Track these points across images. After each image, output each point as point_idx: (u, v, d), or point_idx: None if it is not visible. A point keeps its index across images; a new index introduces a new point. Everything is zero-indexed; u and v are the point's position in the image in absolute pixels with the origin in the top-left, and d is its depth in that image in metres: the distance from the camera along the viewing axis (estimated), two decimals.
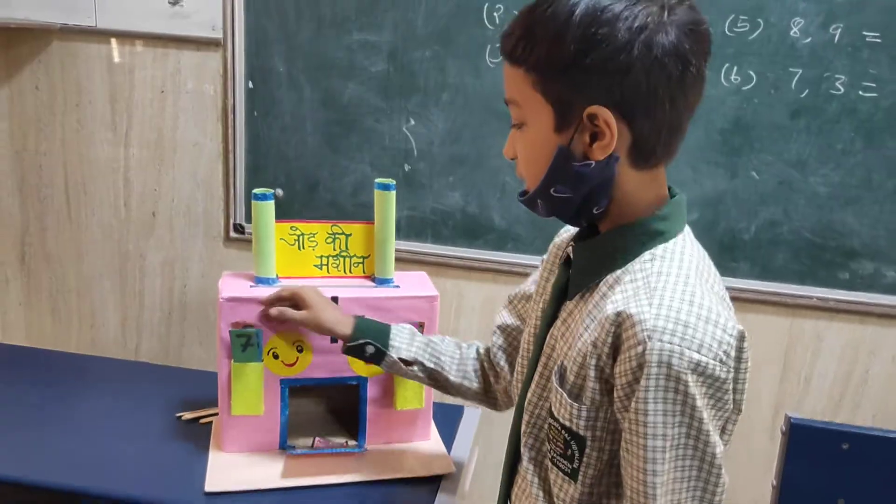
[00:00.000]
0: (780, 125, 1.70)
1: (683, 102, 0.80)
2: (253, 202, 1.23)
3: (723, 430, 0.81)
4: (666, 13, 0.77)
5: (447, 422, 1.45)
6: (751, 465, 1.94)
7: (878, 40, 1.63)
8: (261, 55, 1.84)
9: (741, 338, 0.78)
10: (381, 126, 1.85)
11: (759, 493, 1.96)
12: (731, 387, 0.77)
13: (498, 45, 1.75)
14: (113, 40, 1.89)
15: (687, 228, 0.88)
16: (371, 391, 1.31)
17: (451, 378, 1.17)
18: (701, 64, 0.80)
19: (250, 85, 1.86)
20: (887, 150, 1.69)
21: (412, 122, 1.84)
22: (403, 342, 1.16)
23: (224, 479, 1.22)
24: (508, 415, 1.04)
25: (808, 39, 1.65)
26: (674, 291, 0.77)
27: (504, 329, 1.14)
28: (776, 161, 1.73)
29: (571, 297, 0.88)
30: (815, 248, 1.77)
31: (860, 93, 1.66)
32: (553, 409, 0.86)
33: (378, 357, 1.15)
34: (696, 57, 0.78)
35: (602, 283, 0.84)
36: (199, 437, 1.34)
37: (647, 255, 0.82)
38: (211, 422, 1.38)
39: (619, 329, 0.78)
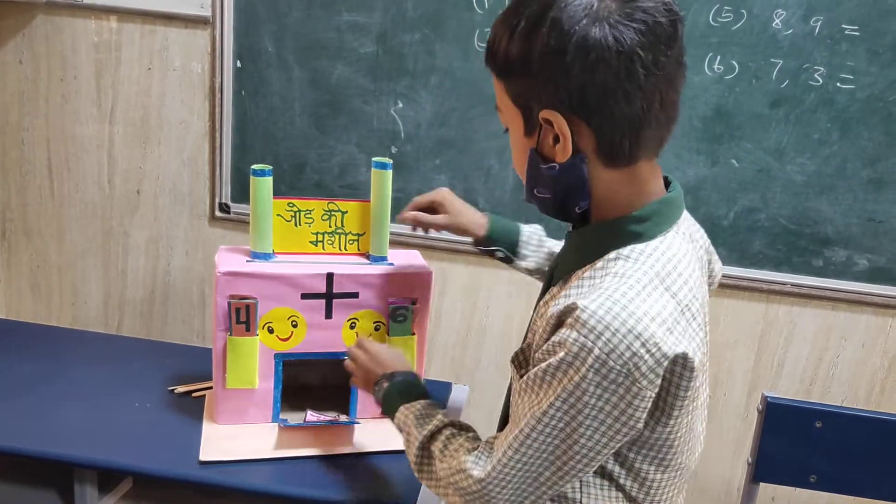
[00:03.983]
0: (760, 114, 1.75)
1: (642, 97, 0.77)
2: (251, 178, 1.24)
3: (641, 443, 0.83)
4: (605, 8, 0.75)
5: (437, 398, 1.47)
6: (723, 445, 2.00)
7: (857, 33, 1.68)
8: (250, 34, 1.84)
9: (674, 361, 0.77)
10: (369, 108, 1.86)
11: (731, 471, 2.03)
12: (641, 404, 0.77)
13: (487, 28, 1.78)
14: (98, 15, 1.87)
15: (680, 226, 0.86)
16: None
17: None
18: (658, 56, 0.76)
19: (238, 64, 1.86)
20: (862, 141, 1.75)
21: (400, 104, 1.85)
22: (531, 250, 1.23)
23: (218, 449, 1.23)
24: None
25: (790, 31, 1.70)
26: (621, 295, 0.76)
27: None
28: (755, 149, 1.77)
29: (555, 283, 0.89)
30: (790, 235, 1.82)
31: (838, 84, 1.72)
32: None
33: (507, 260, 1.24)
34: (647, 50, 0.75)
35: (574, 277, 0.85)
36: (192, 409, 1.35)
37: (613, 254, 0.82)
38: (204, 395, 1.39)
39: (563, 316, 0.79)
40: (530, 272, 1.25)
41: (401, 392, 1.07)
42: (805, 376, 1.94)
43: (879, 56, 1.69)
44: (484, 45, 1.77)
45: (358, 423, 1.34)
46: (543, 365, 0.78)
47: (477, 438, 0.96)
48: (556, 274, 0.90)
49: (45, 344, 1.56)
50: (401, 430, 1.03)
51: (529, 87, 0.80)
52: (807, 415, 1.42)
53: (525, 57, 0.78)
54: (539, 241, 1.24)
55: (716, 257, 1.03)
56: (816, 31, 1.69)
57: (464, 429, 0.98)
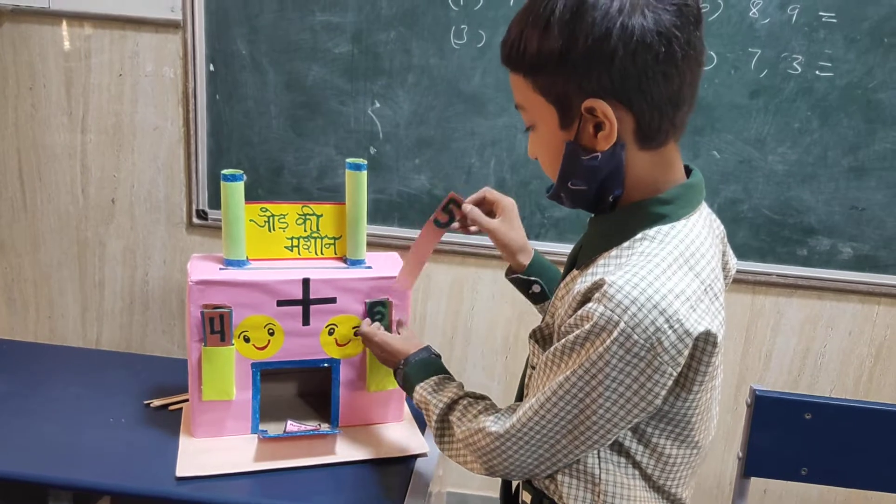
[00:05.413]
0: (739, 105, 1.74)
1: (678, 77, 0.80)
2: (222, 183, 1.21)
3: (660, 417, 0.85)
4: None
5: None
6: (713, 440, 1.98)
7: (834, 20, 1.67)
8: (222, 37, 1.81)
9: (698, 338, 0.79)
10: (346, 109, 1.83)
11: (722, 466, 2.02)
12: (661, 380, 0.79)
13: (463, 26, 1.76)
14: (66, 22, 1.83)
15: (702, 212, 0.89)
16: (343, 374, 1.31)
17: None
18: (690, 36, 0.79)
19: (212, 68, 1.83)
20: (842, 129, 1.73)
21: (377, 104, 1.83)
22: None
23: (195, 464, 1.20)
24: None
25: (767, 20, 1.68)
26: (647, 272, 0.79)
27: None
28: (736, 140, 1.76)
29: (578, 266, 0.91)
30: (774, 225, 1.81)
31: (816, 72, 1.70)
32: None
33: (540, 297, 1.18)
34: (682, 31, 0.78)
35: (600, 258, 0.86)
36: (168, 423, 1.31)
37: (639, 234, 0.84)
38: (181, 408, 1.36)
39: (590, 293, 0.81)
40: None
41: (416, 373, 1.10)
42: (793, 367, 1.93)
43: (857, 42, 1.68)
44: (461, 42, 1.77)
45: (340, 431, 1.31)
46: (571, 336, 0.81)
47: (494, 406, 0.99)
48: (579, 258, 0.91)
49: (17, 360, 1.52)
50: (421, 409, 1.06)
51: (568, 78, 0.80)
52: (796, 407, 1.41)
53: (564, 48, 0.78)
54: None
55: (730, 251, 1.04)
56: (793, 19, 1.68)
57: (480, 398, 1.02)
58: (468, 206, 1.17)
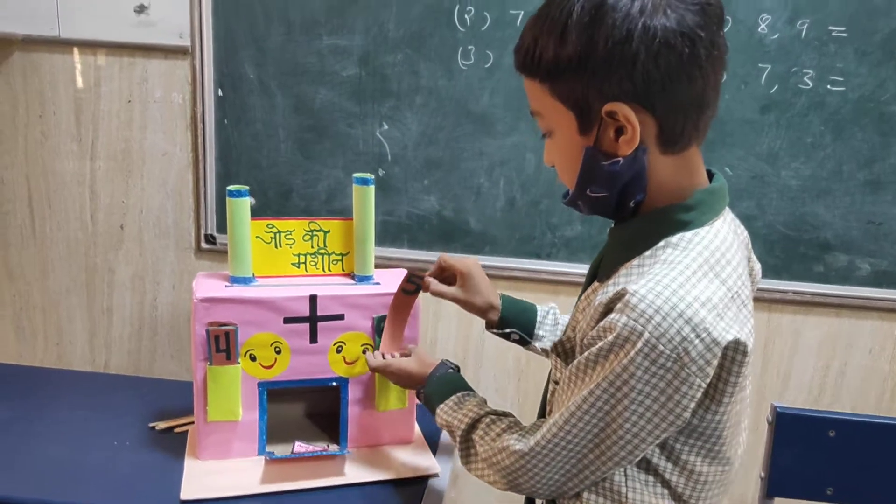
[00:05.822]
0: (751, 120, 1.72)
1: (702, 78, 0.78)
2: (228, 199, 1.20)
3: (689, 431, 0.82)
4: None
5: (431, 422, 1.42)
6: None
7: (844, 34, 1.65)
8: (230, 62, 1.81)
9: (727, 347, 0.77)
10: (355, 131, 1.83)
11: (744, 487, 1.96)
12: (689, 391, 0.77)
13: (471, 46, 1.76)
14: (77, 50, 1.85)
15: (725, 217, 0.87)
16: (352, 393, 1.28)
17: None
18: (713, 36, 0.77)
19: (220, 92, 1.84)
20: (856, 142, 1.71)
21: (385, 126, 1.82)
22: (546, 331, 1.20)
23: (200, 486, 1.17)
24: None
25: (776, 35, 1.67)
26: (671, 280, 0.76)
27: None
28: (748, 155, 1.74)
29: (599, 278, 0.88)
30: (789, 241, 1.78)
31: (828, 86, 1.69)
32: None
33: (522, 342, 1.20)
34: (705, 30, 0.76)
35: (622, 267, 0.84)
36: (174, 446, 1.29)
37: (661, 242, 0.82)
38: (186, 431, 1.34)
39: (612, 303, 0.79)
40: (547, 353, 1.20)
41: (435, 393, 1.09)
42: (812, 386, 1.89)
43: (868, 56, 1.66)
44: (468, 63, 1.77)
45: (349, 452, 1.28)
46: (594, 349, 0.79)
47: (518, 423, 0.97)
48: (600, 269, 0.89)
49: (24, 384, 1.51)
50: (445, 430, 1.05)
51: (588, 82, 0.78)
52: (819, 424, 1.37)
53: (583, 53, 0.77)
54: (554, 321, 1.22)
55: (754, 256, 1.03)
56: (803, 34, 1.67)
57: (503, 415, 1.00)
58: (429, 280, 1.20)
